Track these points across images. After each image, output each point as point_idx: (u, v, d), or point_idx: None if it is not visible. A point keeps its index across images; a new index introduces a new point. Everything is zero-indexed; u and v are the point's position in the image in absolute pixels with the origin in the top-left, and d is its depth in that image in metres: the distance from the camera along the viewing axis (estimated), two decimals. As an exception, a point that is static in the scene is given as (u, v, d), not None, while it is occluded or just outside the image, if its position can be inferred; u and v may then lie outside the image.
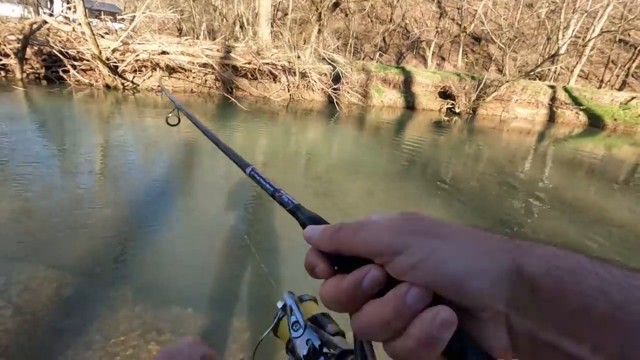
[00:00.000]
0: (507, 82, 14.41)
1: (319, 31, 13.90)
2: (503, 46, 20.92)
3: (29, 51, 8.64)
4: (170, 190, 3.90)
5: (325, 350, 0.36)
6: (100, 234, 2.82)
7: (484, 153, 8.44)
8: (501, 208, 4.65)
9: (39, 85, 8.60)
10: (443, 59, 25.12)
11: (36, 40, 8.71)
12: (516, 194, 5.34)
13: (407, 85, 14.10)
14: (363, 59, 17.84)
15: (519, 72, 15.25)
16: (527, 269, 0.21)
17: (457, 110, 13.82)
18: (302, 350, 0.36)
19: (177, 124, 0.93)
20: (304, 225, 0.32)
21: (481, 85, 13.83)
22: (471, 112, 14.17)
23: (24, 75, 8.65)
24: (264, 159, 5.65)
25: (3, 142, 4.78)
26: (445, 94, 14.24)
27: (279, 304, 0.41)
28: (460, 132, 10.95)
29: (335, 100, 11.27)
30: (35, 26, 8.42)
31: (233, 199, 3.83)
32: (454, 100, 13.95)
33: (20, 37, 8.32)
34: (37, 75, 8.93)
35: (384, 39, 24.54)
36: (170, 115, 0.93)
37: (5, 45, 8.47)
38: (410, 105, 13.88)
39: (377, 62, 17.02)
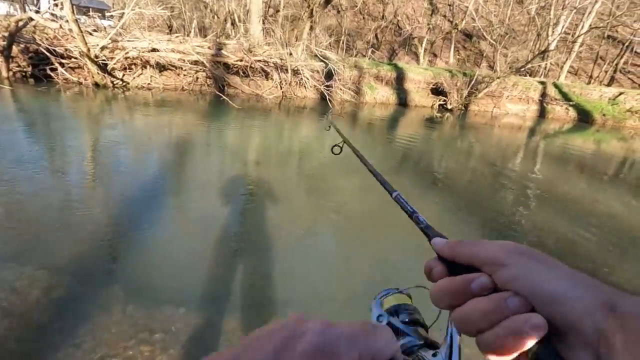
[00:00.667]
0: (498, 78, 14.52)
1: (311, 28, 13.84)
2: (494, 43, 21.05)
3: (15, 49, 8.47)
4: (160, 190, 3.86)
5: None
6: (90, 235, 2.77)
7: (476, 149, 8.50)
8: (494, 202, 4.69)
9: (26, 84, 8.43)
10: (435, 55, 25.21)
11: (22, 38, 8.53)
12: (508, 189, 5.40)
13: (399, 82, 14.13)
14: (355, 55, 17.81)
15: (510, 68, 15.38)
16: (621, 307, 0.22)
17: (449, 107, 13.89)
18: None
19: (339, 153, 1.05)
20: (429, 238, 0.37)
21: (473, 82, 13.92)
22: (463, 108, 14.26)
23: (10, 73, 8.48)
24: (256, 157, 5.62)
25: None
26: (437, 91, 14.30)
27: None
28: (452, 129, 11.02)
29: (327, 97, 11.25)
30: (21, 23, 8.25)
31: (224, 199, 3.80)
32: (446, 96, 14.02)
33: (6, 34, 8.14)
34: (24, 74, 8.76)
35: (376, 35, 24.54)
36: (334, 146, 1.04)
37: (-10, 43, 8.29)
38: (402, 102, 13.91)
39: (369, 59, 17.02)
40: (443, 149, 8.15)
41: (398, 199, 0.53)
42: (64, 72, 8.91)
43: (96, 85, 9.06)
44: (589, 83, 22.30)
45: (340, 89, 12.12)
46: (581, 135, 12.48)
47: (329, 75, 11.74)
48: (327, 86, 11.45)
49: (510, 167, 7.00)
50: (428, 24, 23.93)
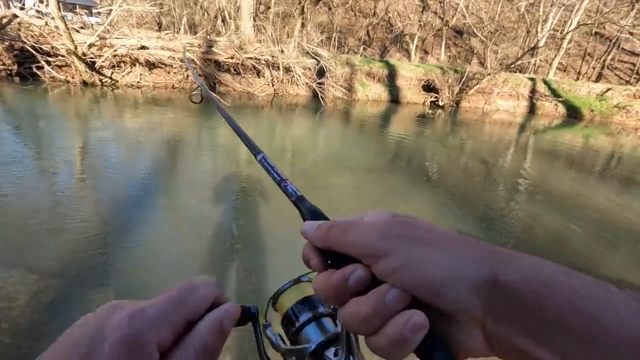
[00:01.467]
0: (489, 74, 14.64)
1: (302, 25, 13.79)
2: (484, 39, 21.21)
3: (-1, 47, 8.27)
4: (151, 190, 3.81)
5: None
6: (80, 236, 2.73)
7: (467, 145, 8.57)
8: (484, 197, 4.74)
9: (11, 82, 8.25)
10: (426, 52, 25.32)
11: (7, 35, 8.33)
12: (499, 184, 5.46)
13: (391, 79, 14.16)
14: (347, 53, 17.81)
15: (500, 64, 15.50)
16: (503, 278, 0.22)
17: (441, 104, 13.97)
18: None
19: (201, 101, 1.00)
20: (304, 217, 0.35)
21: (464, 78, 14.02)
22: (454, 105, 14.36)
23: (-5, 72, 8.28)
24: (247, 156, 5.58)
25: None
26: (428, 87, 14.37)
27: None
28: (444, 125, 11.08)
29: (320, 94, 11.22)
30: (5, 20, 8.06)
31: (218, 196, 3.78)
32: (437, 93, 14.10)
33: (-11, 32, 7.94)
34: (9, 72, 8.56)
35: (367, 32, 24.54)
36: (194, 93, 0.99)
37: (-27, 40, 8.08)
38: (394, 98, 13.95)
39: (361, 56, 17.01)
40: (435, 145, 8.20)
41: (263, 162, 0.47)
42: (50, 70, 8.72)
43: (84, 83, 8.90)
44: (577, 79, 22.63)
45: (332, 87, 12.10)
46: (570, 131, 12.66)
47: (320, 73, 11.71)
48: (319, 83, 11.43)
49: (501, 162, 7.08)
50: (419, 21, 24.01)
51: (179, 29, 15.86)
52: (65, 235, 2.71)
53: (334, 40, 20.63)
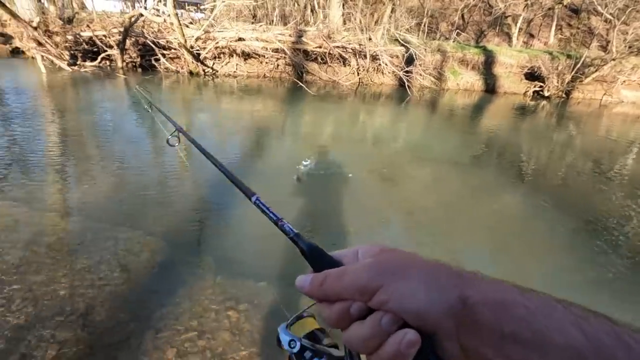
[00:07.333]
0: (613, 60, 12.39)
1: (392, 10, 13.33)
2: (611, 18, 17.92)
3: (127, 42, 9.72)
4: (243, 171, 4.15)
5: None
6: (185, 209, 3.13)
7: (576, 142, 7.46)
8: (592, 206, 4.09)
9: (135, 73, 9.67)
10: (532, 36, 22.43)
11: (133, 32, 9.74)
12: (613, 193, 4.65)
13: (487, 66, 12.94)
14: (438, 38, 16.74)
15: (629, 48, 12.98)
16: (469, 300, 0.27)
17: (546, 94, 12.34)
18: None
19: (177, 145, 1.00)
20: (302, 252, 0.37)
21: (579, 65, 12.11)
22: (563, 95, 12.56)
23: (124, 64, 9.78)
24: (328, 142, 5.69)
25: (108, 125, 5.51)
26: (532, 76, 12.78)
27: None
28: (548, 118, 9.80)
29: (406, 83, 10.81)
30: (133, 19, 9.41)
31: (299, 182, 3.94)
32: (543, 82, 12.47)
33: (122, 29, 9.38)
34: (134, 64, 10.04)
35: (462, 16, 22.67)
36: (169, 137, 1.02)
37: (110, 37, 9.64)
38: (489, 88, 12.76)
39: (454, 41, 15.84)
40: (535, 140, 7.32)
41: (258, 204, 0.47)
42: (165, 62, 9.99)
43: (190, 73, 9.99)
44: None
45: (420, 75, 11.55)
46: None
47: (409, 60, 11.25)
48: (407, 72, 11.00)
49: (620, 165, 6.01)
50: (525, 0, 21.29)
51: (272, 20, 16.67)
52: (172, 207, 3.13)
53: (424, 25, 19.53)
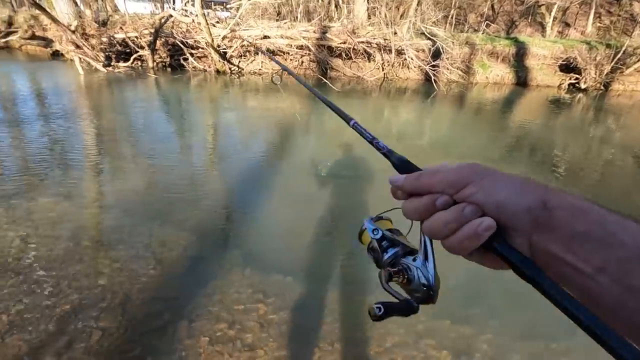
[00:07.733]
0: (658, 48, 11.59)
1: (419, 3, 13.05)
2: (655, 3, 16.71)
3: (157, 43, 10.06)
4: (269, 169, 4.22)
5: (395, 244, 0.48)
6: (214, 205, 3.23)
7: (615, 137, 7.06)
8: (633, 207, 3.88)
9: (165, 72, 9.99)
10: (567, 25, 21.29)
11: (163, 32, 10.06)
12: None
13: (518, 58, 12.42)
14: (467, 31, 16.23)
15: (678, 35, 12.07)
16: (550, 203, 0.30)
17: (583, 86, 11.72)
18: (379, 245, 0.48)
19: (280, 82, 1.16)
20: (394, 164, 0.45)
21: (619, 55, 11.40)
22: (602, 87, 11.87)
23: (155, 64, 10.14)
24: (351, 139, 5.67)
25: (139, 123, 5.74)
26: (568, 67, 12.15)
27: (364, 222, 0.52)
28: (585, 112, 9.32)
29: (433, 77, 10.57)
30: (163, 20, 9.72)
31: (325, 179, 3.97)
32: (579, 74, 11.84)
33: (152, 30, 9.71)
34: (164, 64, 10.38)
35: (492, 6, 21.85)
36: (274, 75, 1.14)
37: (141, 38, 10.01)
38: (521, 81, 12.25)
39: (483, 33, 15.31)
40: (571, 135, 6.99)
41: (356, 127, 0.57)
42: (193, 61, 10.26)
43: (217, 71, 10.22)
44: None
45: (447, 69, 11.26)
46: None
47: (436, 54, 10.97)
48: (433, 66, 10.75)
49: (666, 161, 5.64)
50: (561, -13, 20.20)
51: (296, 16, 16.72)
52: (201, 203, 3.24)
53: (452, 17, 18.97)
